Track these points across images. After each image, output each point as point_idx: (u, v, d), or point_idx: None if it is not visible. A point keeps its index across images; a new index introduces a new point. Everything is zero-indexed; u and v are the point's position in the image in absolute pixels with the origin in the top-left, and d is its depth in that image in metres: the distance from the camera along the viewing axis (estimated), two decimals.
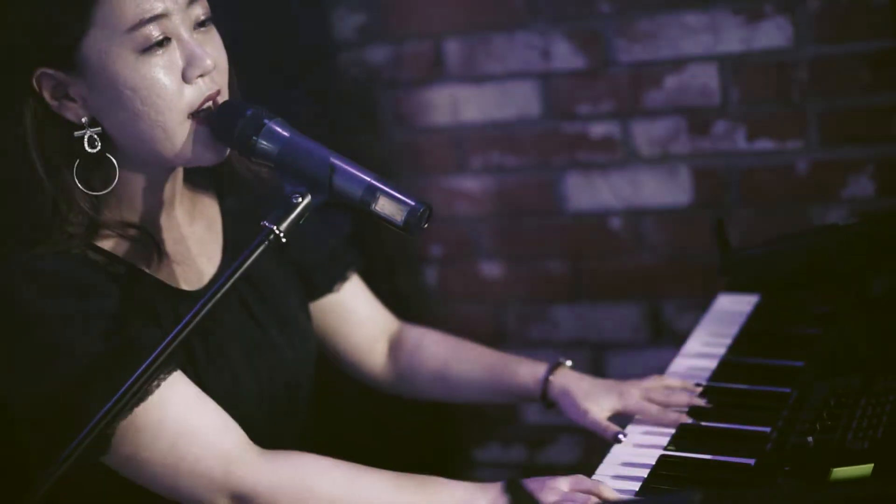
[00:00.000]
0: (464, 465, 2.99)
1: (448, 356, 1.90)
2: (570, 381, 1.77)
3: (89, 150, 1.47)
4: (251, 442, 1.50)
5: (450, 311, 2.88)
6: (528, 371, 1.82)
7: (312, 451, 1.54)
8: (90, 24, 1.42)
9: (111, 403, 1.29)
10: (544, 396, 1.79)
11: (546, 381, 1.78)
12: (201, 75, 1.46)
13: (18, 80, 1.46)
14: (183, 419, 1.45)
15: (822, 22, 2.41)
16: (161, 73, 1.43)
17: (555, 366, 1.80)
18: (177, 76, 1.44)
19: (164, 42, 1.43)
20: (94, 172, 1.50)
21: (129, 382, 1.30)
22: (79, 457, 1.27)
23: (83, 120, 1.47)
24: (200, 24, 1.48)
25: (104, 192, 1.50)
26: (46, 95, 1.46)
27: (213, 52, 1.48)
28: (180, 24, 1.45)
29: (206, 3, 1.49)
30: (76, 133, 1.47)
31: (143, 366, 1.31)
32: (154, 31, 1.42)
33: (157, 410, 1.43)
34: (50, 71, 1.45)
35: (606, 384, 1.77)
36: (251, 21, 2.51)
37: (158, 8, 1.42)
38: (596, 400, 1.73)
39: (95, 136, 1.47)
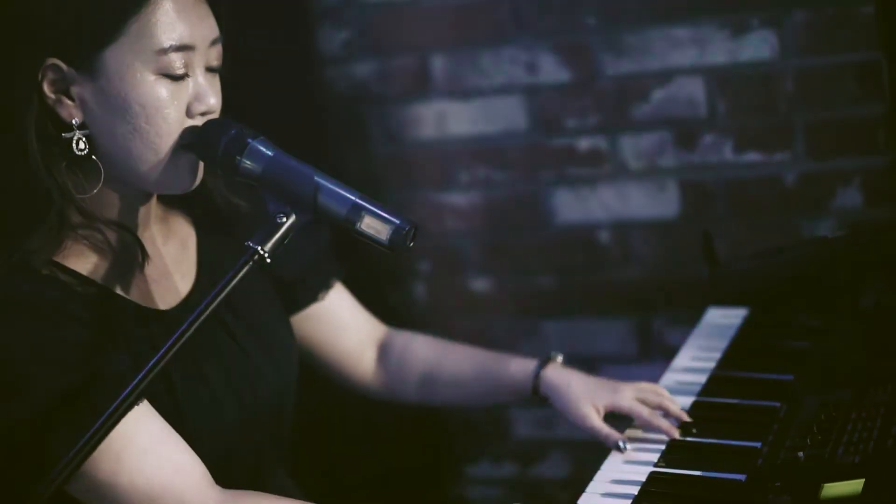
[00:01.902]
0: (455, 481, 2.97)
1: (437, 357, 1.90)
2: (563, 376, 1.76)
3: (77, 153, 1.47)
4: (212, 481, 1.48)
5: (439, 327, 2.86)
6: (518, 366, 1.81)
7: (292, 470, 1.52)
8: (123, 34, 1.43)
9: (78, 447, 1.26)
10: (536, 391, 1.78)
11: (537, 375, 1.77)
12: (203, 113, 1.49)
13: (27, 64, 1.46)
14: (144, 452, 1.42)
15: (808, 34, 2.41)
16: (171, 99, 1.46)
17: (545, 360, 1.79)
18: (182, 108, 1.47)
19: (182, 72, 1.47)
20: (77, 176, 1.49)
21: (97, 425, 1.27)
22: (38, 489, 1.25)
23: (75, 121, 1.47)
24: (211, 69, 1.52)
25: (89, 194, 1.49)
26: (46, 87, 1.46)
27: (214, 94, 1.52)
28: (199, 61, 1.49)
29: (221, 51, 1.53)
30: (65, 134, 1.47)
31: (115, 404, 1.29)
32: (178, 60, 1.45)
33: (118, 444, 1.40)
34: (62, 65, 1.45)
35: (599, 381, 1.76)
36: (237, 38, 2.50)
37: (187, 38, 1.46)
38: (591, 399, 1.72)
39: (83, 139, 1.47)
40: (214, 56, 1.52)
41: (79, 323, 1.44)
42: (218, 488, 1.47)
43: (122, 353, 1.48)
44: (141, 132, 1.45)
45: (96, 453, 1.37)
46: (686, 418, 1.70)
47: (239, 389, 1.60)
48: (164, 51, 1.44)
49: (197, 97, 1.48)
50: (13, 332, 1.40)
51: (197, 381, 1.56)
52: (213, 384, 1.57)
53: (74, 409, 1.38)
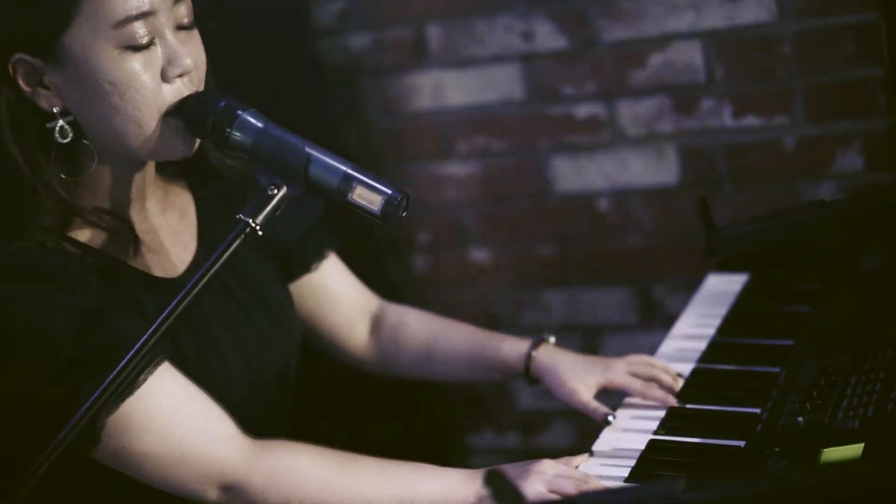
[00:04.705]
0: (458, 452, 2.98)
1: (431, 333, 1.90)
2: (554, 357, 1.76)
3: (61, 140, 1.46)
4: (241, 432, 1.49)
5: (440, 298, 2.87)
6: (511, 347, 1.81)
7: (297, 435, 1.54)
8: (77, 14, 1.41)
9: (95, 397, 1.28)
10: (527, 372, 1.78)
11: (529, 356, 1.78)
12: (180, 75, 1.46)
13: None
14: (172, 411, 1.44)
15: None
16: (142, 69, 1.43)
17: (538, 342, 1.79)
18: (156, 74, 1.44)
19: (147, 39, 1.43)
20: (70, 160, 1.49)
21: (113, 374, 1.29)
22: (68, 452, 1.26)
23: (55, 109, 1.46)
24: (183, 27, 1.48)
25: (80, 176, 1.49)
26: (20, 81, 1.45)
27: (193, 53, 1.48)
28: (165, 23, 1.45)
29: (190, 5, 1.49)
30: (48, 124, 1.46)
31: (128, 357, 1.30)
32: (140, 29, 1.42)
33: (145, 403, 1.42)
34: (28, 57, 1.44)
35: (590, 360, 1.76)
36: (231, 10, 2.49)
37: (146, 5, 1.42)
38: (582, 378, 1.72)
39: (67, 126, 1.46)
40: (183, 13, 1.48)
41: (87, 289, 1.45)
42: (249, 439, 1.49)
43: (136, 318, 1.49)
44: (118, 109, 1.43)
45: (125, 417, 1.40)
46: (677, 388, 1.70)
47: (247, 353, 1.62)
48: (122, 23, 1.41)
49: (170, 61, 1.44)
50: (24, 302, 1.42)
51: (208, 347, 1.57)
52: (222, 350, 1.59)
53: (93, 372, 1.38)
